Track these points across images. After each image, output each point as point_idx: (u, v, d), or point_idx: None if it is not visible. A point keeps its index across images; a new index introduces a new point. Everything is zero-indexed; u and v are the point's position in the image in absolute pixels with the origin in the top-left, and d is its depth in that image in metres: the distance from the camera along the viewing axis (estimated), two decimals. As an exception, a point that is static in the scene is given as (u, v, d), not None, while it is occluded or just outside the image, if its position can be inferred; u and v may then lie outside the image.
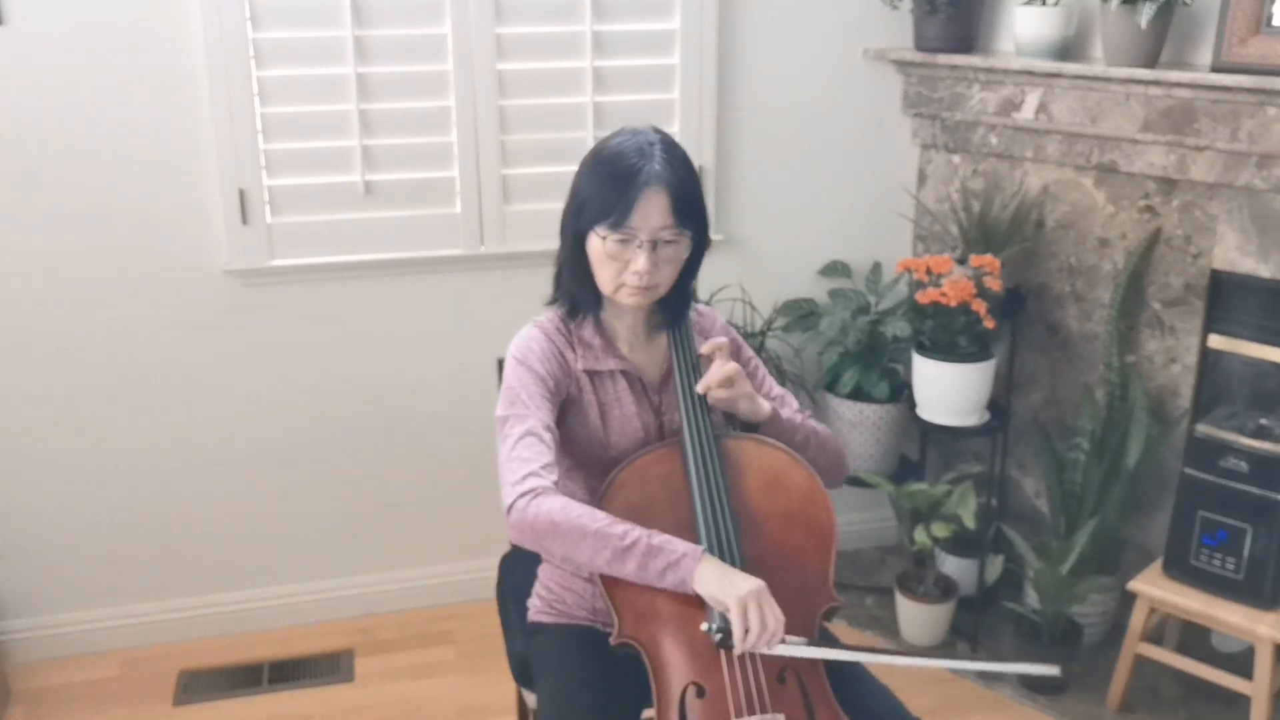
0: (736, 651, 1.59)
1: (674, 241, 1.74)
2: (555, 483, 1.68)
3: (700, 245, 1.81)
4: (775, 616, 1.57)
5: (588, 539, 1.62)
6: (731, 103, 3.04)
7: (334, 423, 3.00)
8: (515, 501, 1.65)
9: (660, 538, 1.63)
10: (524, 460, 1.68)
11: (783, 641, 1.59)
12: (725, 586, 1.57)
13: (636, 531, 1.63)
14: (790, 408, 1.94)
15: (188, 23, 2.65)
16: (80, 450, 2.86)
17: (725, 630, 1.59)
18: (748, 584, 1.58)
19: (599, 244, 1.73)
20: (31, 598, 2.93)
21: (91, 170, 2.69)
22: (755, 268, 3.16)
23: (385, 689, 2.86)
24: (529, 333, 1.84)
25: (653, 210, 1.70)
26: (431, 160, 2.87)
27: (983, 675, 2.89)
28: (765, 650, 1.59)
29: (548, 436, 1.72)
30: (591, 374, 1.83)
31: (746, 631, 1.56)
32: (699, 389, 1.79)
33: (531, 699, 1.95)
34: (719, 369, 1.79)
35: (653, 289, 1.76)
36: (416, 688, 2.86)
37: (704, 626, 1.62)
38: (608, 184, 1.71)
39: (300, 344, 2.93)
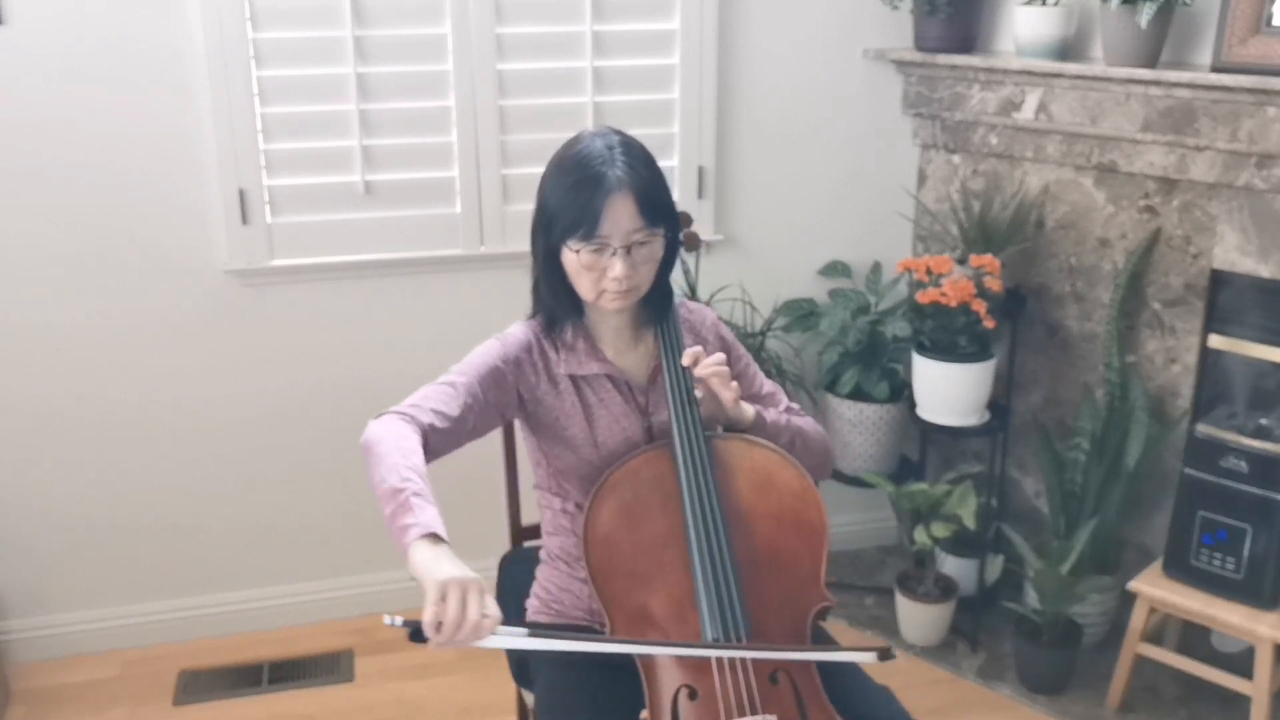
0: (430, 645, 1.43)
1: (647, 242, 1.73)
2: (434, 426, 1.66)
3: (674, 239, 1.81)
4: (477, 610, 1.42)
5: (383, 468, 1.57)
6: (731, 103, 3.04)
7: (334, 422, 3.00)
8: (384, 413, 1.67)
9: (421, 501, 1.52)
10: (424, 395, 1.72)
11: (493, 634, 1.46)
12: (430, 570, 1.44)
13: (413, 484, 1.54)
14: (780, 404, 1.94)
15: (188, 23, 2.65)
16: (80, 450, 2.87)
17: (415, 623, 1.42)
18: (456, 571, 1.43)
19: (573, 257, 1.73)
20: (31, 598, 2.94)
21: (91, 170, 2.69)
22: (755, 268, 3.16)
23: (385, 689, 2.86)
24: (517, 325, 1.86)
25: (621, 216, 1.69)
26: (431, 160, 2.87)
27: (982, 675, 2.89)
28: (470, 645, 1.44)
29: (463, 395, 1.72)
30: (575, 378, 1.83)
31: (441, 624, 1.41)
32: (685, 361, 1.77)
33: (531, 699, 1.95)
34: (713, 359, 1.78)
35: (634, 290, 1.76)
36: (416, 688, 2.86)
37: (385, 619, 1.44)
38: (572, 195, 1.70)
39: (300, 344, 2.93)
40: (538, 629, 1.51)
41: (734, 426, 1.84)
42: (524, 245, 2.87)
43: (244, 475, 2.99)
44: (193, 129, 2.72)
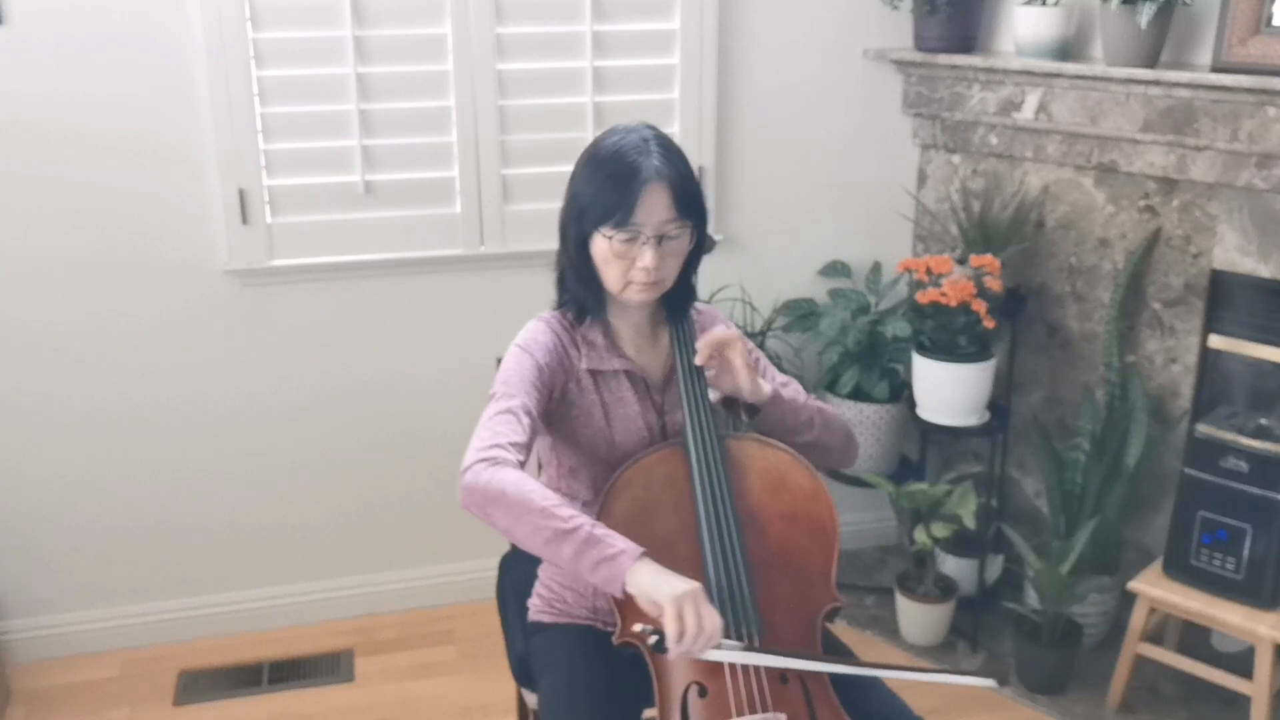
0: (671, 655, 1.55)
1: (677, 235, 1.75)
2: (520, 462, 1.65)
3: (701, 236, 1.81)
4: (712, 620, 1.53)
5: (532, 514, 1.58)
6: (731, 103, 3.04)
7: (333, 422, 3.00)
8: (473, 465, 1.63)
9: (603, 530, 1.58)
10: (495, 432, 1.67)
11: (718, 647, 1.55)
12: (660, 586, 1.53)
13: (582, 519, 1.58)
14: (796, 391, 1.94)
15: (188, 23, 2.65)
16: (80, 450, 2.86)
17: (660, 634, 1.54)
18: (684, 585, 1.53)
19: (604, 244, 1.73)
20: (31, 598, 2.93)
21: (91, 170, 2.69)
22: (755, 268, 3.16)
23: (385, 689, 2.86)
24: (535, 325, 1.85)
25: (656, 205, 1.71)
26: (431, 160, 2.87)
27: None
28: (699, 655, 1.55)
29: (526, 420, 1.70)
30: (595, 374, 1.84)
31: (682, 635, 1.51)
32: (698, 360, 1.79)
33: (532, 699, 1.95)
34: (712, 334, 1.79)
35: (660, 283, 1.77)
36: (416, 688, 2.86)
37: (637, 628, 1.57)
38: (608, 184, 1.71)
39: (300, 344, 2.93)
40: (751, 646, 1.62)
41: (753, 401, 1.83)
42: (524, 245, 2.94)
43: (244, 475, 2.99)
44: (193, 129, 2.72)
